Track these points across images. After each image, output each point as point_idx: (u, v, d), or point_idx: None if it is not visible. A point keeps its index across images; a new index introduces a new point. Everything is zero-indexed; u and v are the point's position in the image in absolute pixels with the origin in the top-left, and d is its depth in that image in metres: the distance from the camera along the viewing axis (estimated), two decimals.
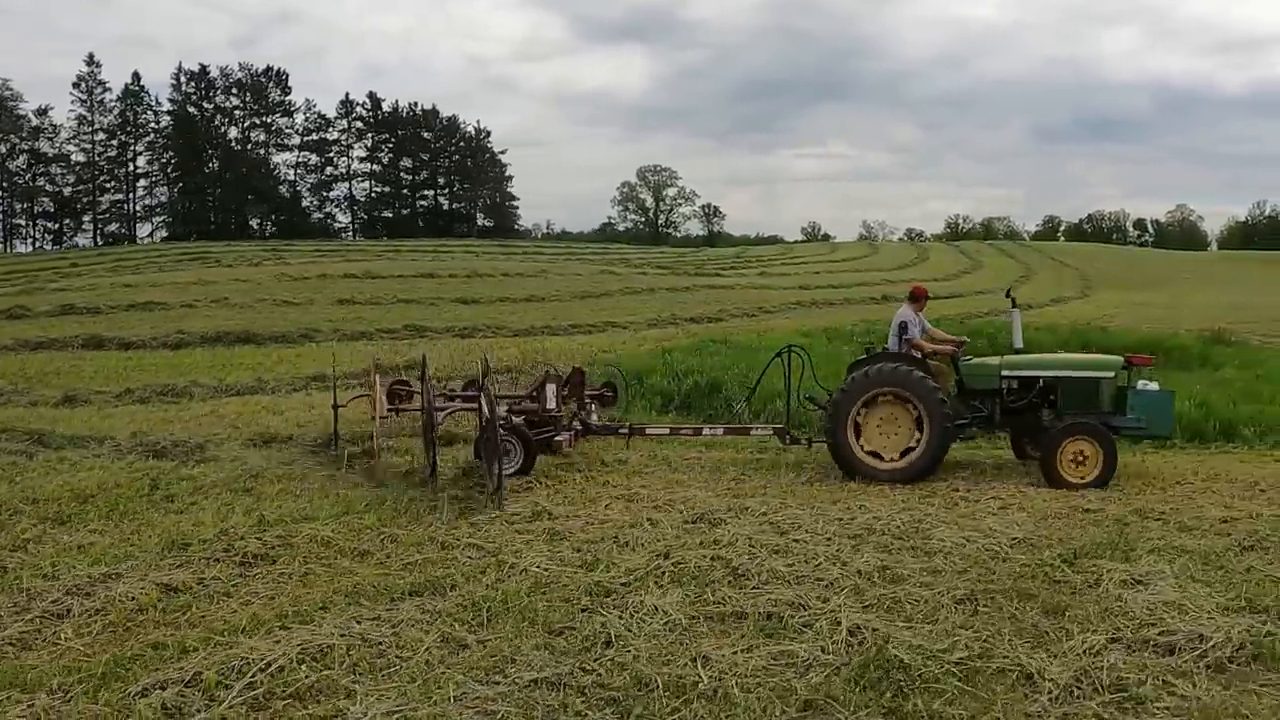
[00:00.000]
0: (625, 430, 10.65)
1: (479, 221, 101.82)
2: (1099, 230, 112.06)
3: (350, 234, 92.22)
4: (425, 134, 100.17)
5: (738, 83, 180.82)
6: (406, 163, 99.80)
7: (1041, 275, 52.22)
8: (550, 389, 10.26)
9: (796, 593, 5.61)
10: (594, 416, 11.15)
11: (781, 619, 5.20)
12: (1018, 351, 10.17)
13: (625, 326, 24.57)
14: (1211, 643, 4.73)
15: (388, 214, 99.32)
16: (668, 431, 10.92)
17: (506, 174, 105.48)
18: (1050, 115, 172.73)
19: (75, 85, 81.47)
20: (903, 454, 9.26)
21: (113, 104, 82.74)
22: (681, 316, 26.62)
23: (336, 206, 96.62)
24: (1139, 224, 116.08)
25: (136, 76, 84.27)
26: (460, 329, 22.84)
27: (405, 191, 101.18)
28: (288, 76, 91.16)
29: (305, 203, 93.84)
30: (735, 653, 4.74)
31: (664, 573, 6.05)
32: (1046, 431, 9.48)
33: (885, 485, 9.06)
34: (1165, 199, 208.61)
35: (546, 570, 6.23)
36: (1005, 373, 9.79)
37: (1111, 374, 9.60)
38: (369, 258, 43.77)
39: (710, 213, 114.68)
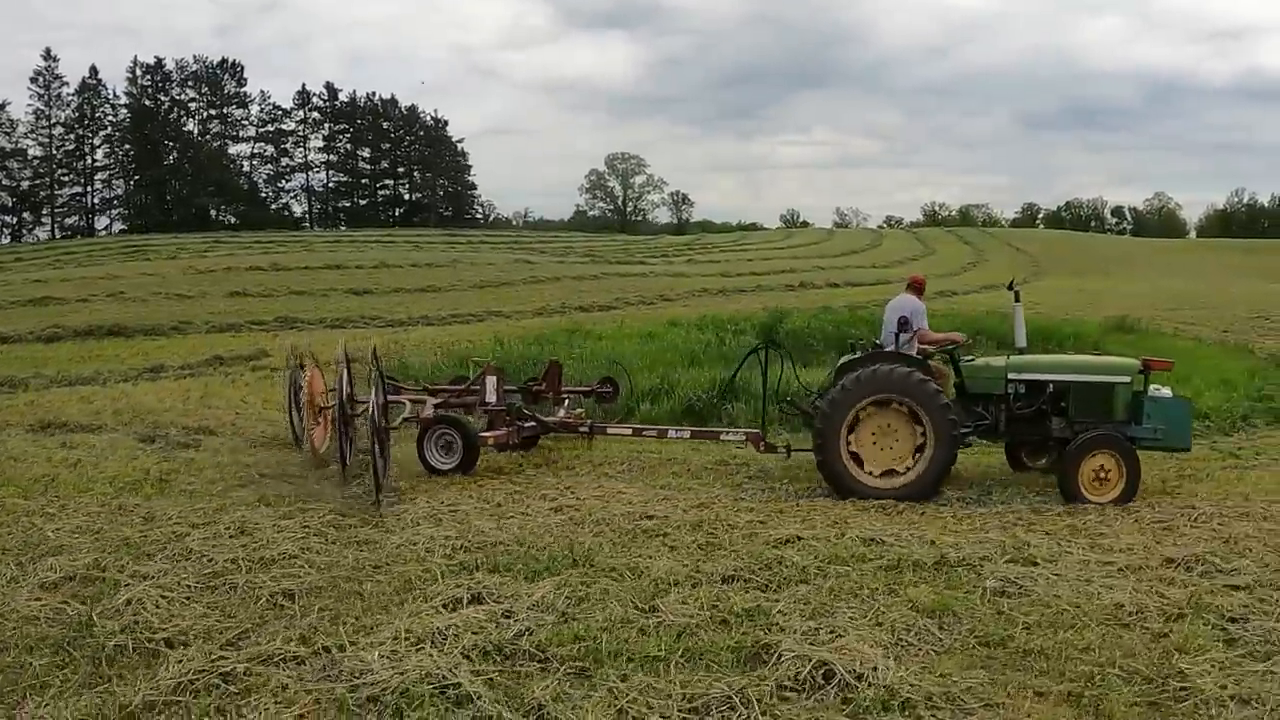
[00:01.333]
0: (586, 429, 10.08)
1: (439, 211, 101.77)
2: (1077, 218, 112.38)
3: (309, 224, 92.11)
4: (384, 124, 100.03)
5: (721, 70, 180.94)
6: (365, 153, 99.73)
7: (992, 261, 52.11)
8: (490, 381, 9.68)
9: None
10: (560, 412, 10.64)
11: None
12: (1020, 351, 9.22)
13: (510, 316, 24.97)
14: None
15: (346, 204, 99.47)
16: (630, 432, 10.25)
17: (466, 163, 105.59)
18: (1036, 103, 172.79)
19: (33, 80, 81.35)
20: (903, 469, 8.21)
21: (70, 98, 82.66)
22: (573, 305, 26.99)
23: (294, 197, 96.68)
24: (1116, 211, 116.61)
25: (94, 70, 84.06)
26: (334, 320, 23.25)
27: (365, 181, 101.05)
28: (243, 69, 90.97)
29: (264, 194, 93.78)
30: None
31: None
32: (1057, 443, 8.77)
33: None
34: (1150, 187, 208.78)
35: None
36: (1012, 375, 8.81)
37: (1128, 379, 8.70)
38: (299, 249, 43.93)
39: (679, 200, 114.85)
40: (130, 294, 26.78)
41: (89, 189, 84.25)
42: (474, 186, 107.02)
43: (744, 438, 9.66)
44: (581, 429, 10.12)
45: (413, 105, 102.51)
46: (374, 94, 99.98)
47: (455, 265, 34.51)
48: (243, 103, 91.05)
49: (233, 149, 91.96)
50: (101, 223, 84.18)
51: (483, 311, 25.28)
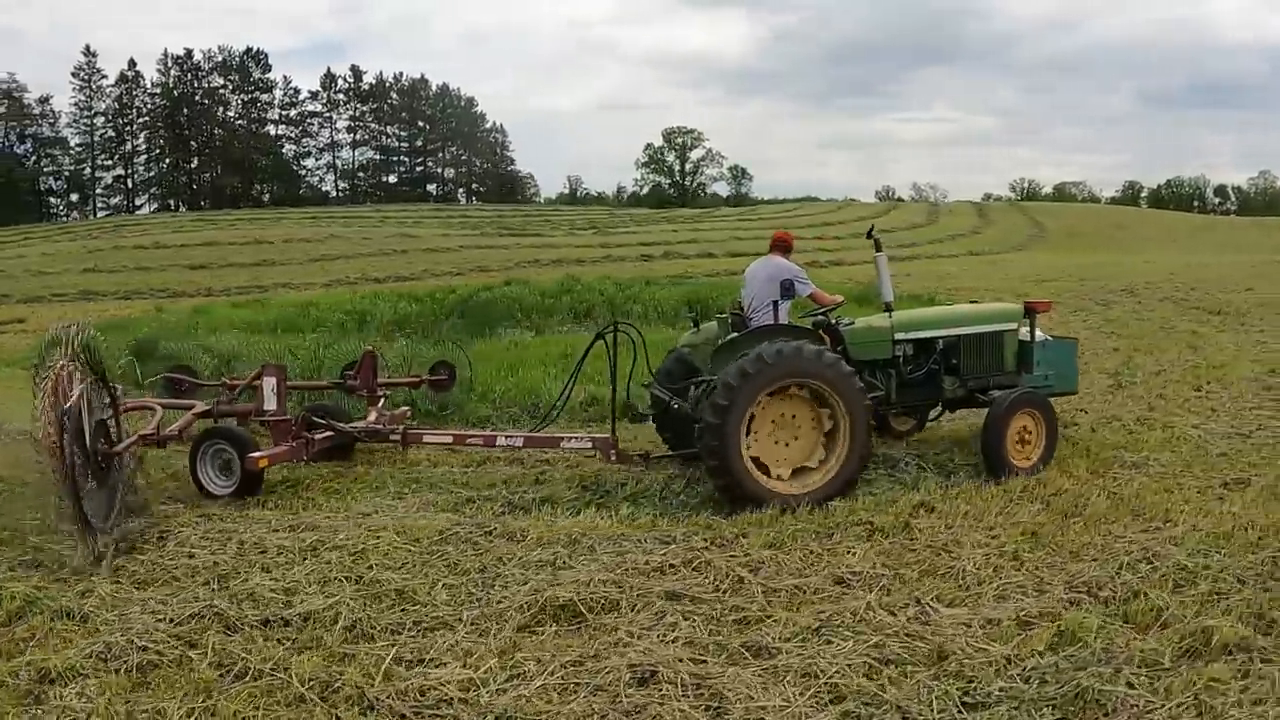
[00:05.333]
0: (397, 437, 8.13)
1: (473, 187, 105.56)
2: (1177, 197, 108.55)
3: (339, 202, 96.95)
4: (418, 104, 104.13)
5: (837, 45, 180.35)
6: (399, 131, 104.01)
7: (987, 233, 51.86)
8: (269, 383, 7.72)
9: None
10: (371, 415, 8.64)
11: None
12: (888, 306, 7.93)
13: (300, 288, 27.42)
14: None
15: (389, 179, 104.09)
16: (450, 440, 8.34)
17: (505, 140, 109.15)
18: (1161, 79, 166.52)
19: (74, 74, 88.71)
20: (810, 468, 6.91)
21: (110, 89, 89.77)
22: (374, 276, 29.23)
23: (325, 175, 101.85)
24: (1220, 190, 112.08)
25: (132, 62, 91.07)
26: (128, 292, 26.28)
27: (403, 159, 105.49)
28: (267, 56, 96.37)
29: (298, 171, 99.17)
30: None
31: None
32: (949, 405, 8.16)
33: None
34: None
35: None
36: (899, 335, 7.77)
37: (1014, 325, 8.11)
38: (257, 227, 47.28)
39: (738, 174, 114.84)
40: (12, 271, 30.53)
41: (130, 172, 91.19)
42: (513, 163, 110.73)
43: (590, 445, 7.65)
44: (393, 437, 8.15)
45: (444, 84, 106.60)
46: (401, 74, 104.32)
47: (329, 240, 37.01)
48: (269, 87, 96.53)
49: (266, 130, 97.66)
50: (141, 202, 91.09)
51: (273, 285, 27.81)
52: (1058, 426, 7.56)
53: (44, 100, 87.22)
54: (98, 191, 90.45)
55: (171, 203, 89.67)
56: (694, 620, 4.63)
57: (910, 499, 6.62)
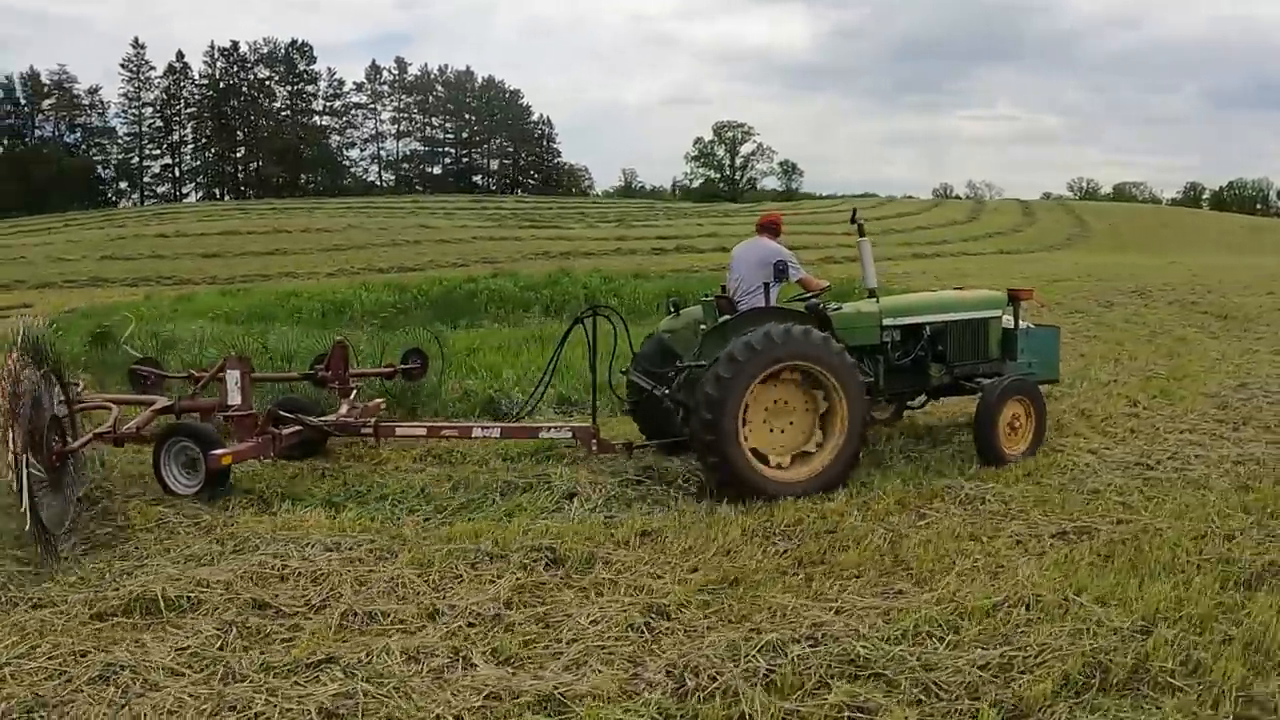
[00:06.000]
0: (369, 431, 7.78)
1: (518, 180, 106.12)
2: (1239, 199, 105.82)
3: (381, 193, 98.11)
4: (464, 96, 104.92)
5: (900, 42, 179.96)
6: (444, 122, 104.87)
7: (1028, 231, 50.98)
8: (232, 376, 7.39)
9: None
10: (343, 408, 8.33)
11: None
12: (872, 292, 7.86)
13: (304, 277, 27.61)
14: None
15: (434, 171, 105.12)
16: (424, 432, 7.93)
17: (551, 133, 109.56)
18: (1224, 79, 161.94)
19: (123, 66, 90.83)
20: (806, 456, 6.73)
21: (158, 80, 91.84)
22: (379, 266, 29.34)
23: (370, 166, 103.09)
24: None
25: (180, 54, 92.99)
26: (137, 280, 26.68)
27: (448, 151, 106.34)
28: (312, 48, 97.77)
29: (343, 162, 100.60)
30: None
31: None
32: (932, 393, 8.08)
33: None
34: None
35: None
36: (887, 321, 7.61)
37: (999, 313, 8.10)
38: (288, 215, 48.01)
39: (789, 169, 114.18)
40: (32, 257, 31.22)
41: (177, 161, 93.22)
42: (559, 155, 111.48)
43: (571, 434, 7.46)
44: (364, 430, 7.83)
45: (490, 76, 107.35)
46: (447, 66, 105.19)
47: (347, 231, 37.27)
48: (313, 79, 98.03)
49: (312, 120, 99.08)
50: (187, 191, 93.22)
51: (277, 274, 28.02)
52: (1045, 414, 7.57)
53: (93, 91, 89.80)
54: (145, 180, 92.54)
55: (216, 191, 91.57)
56: None
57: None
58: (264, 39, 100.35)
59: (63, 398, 6.73)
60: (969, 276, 26.54)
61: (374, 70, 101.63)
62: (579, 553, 5.35)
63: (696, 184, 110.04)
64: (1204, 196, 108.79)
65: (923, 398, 8.33)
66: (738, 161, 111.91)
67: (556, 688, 3.79)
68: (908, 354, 7.69)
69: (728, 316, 7.08)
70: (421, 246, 33.40)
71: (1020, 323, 8.11)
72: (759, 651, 4.02)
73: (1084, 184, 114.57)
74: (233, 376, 7.39)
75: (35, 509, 5.34)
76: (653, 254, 34.20)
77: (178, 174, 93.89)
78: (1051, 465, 7.25)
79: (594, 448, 7.26)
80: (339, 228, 37.92)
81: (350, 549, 5.48)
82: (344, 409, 8.28)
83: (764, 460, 6.59)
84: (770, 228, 7.81)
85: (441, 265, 29.66)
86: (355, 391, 8.83)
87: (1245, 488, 6.60)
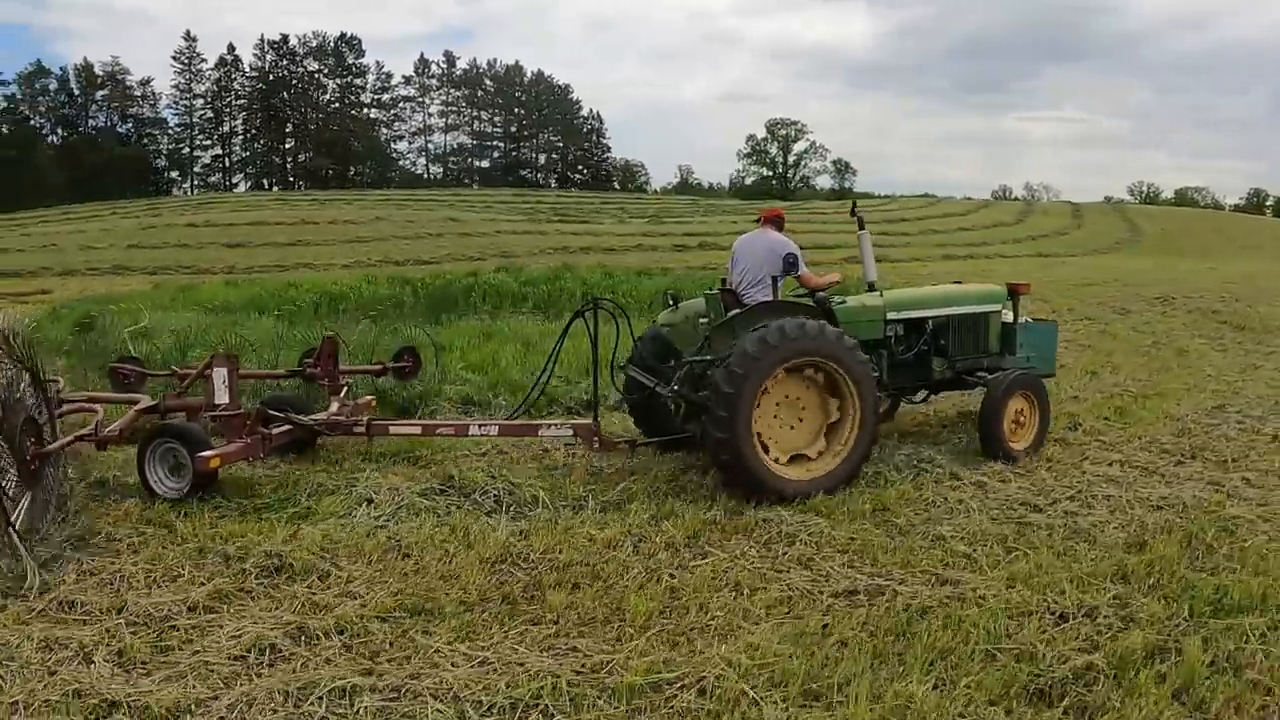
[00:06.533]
0: (361, 429, 7.45)
1: (569, 175, 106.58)
2: None
3: (426, 186, 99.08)
4: (512, 91, 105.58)
5: (963, 41, 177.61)
6: (495, 117, 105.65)
7: (1074, 235, 50.12)
8: (219, 374, 7.08)
9: None
10: (334, 405, 7.98)
11: None
12: (871, 286, 7.85)
13: (321, 269, 27.84)
14: None
15: (482, 164, 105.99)
16: (419, 431, 7.62)
17: (600, 128, 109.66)
18: None
19: (174, 58, 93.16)
20: (815, 455, 6.65)
21: (209, 72, 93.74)
22: (395, 259, 29.46)
23: (418, 159, 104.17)
24: None
25: (231, 47, 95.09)
26: (158, 268, 27.11)
27: (496, 144, 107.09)
28: (360, 41, 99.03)
29: (391, 155, 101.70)
30: None
31: None
32: (933, 388, 8.03)
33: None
34: None
35: None
36: (891, 315, 7.60)
37: (999, 307, 8.14)
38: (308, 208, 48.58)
39: (842, 168, 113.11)
40: (64, 244, 32.00)
41: (227, 152, 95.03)
42: (609, 150, 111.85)
43: (572, 432, 7.22)
44: (356, 429, 7.47)
45: (539, 70, 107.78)
46: (495, 60, 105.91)
47: (375, 223, 37.56)
48: (361, 73, 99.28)
49: (361, 113, 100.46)
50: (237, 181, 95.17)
51: (295, 264, 28.27)
52: (1049, 409, 7.51)
53: (145, 82, 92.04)
54: (196, 170, 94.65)
55: (264, 182, 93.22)
56: None
57: None
58: (312, 33, 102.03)
59: (39, 397, 6.32)
60: (993, 276, 25.91)
61: (422, 64, 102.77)
62: (303, 562, 5.17)
63: (749, 181, 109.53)
64: (1267, 203, 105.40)
65: (923, 392, 8.27)
66: (790, 159, 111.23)
67: (130, 696, 3.74)
68: (910, 348, 7.70)
69: (736, 310, 6.98)
70: (443, 240, 33.51)
71: (1019, 317, 8.16)
72: (327, 695, 3.76)
73: (1145, 189, 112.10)
74: (220, 374, 7.08)
75: (6, 513, 5.11)
76: (674, 250, 33.96)
77: (227, 164, 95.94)
78: (919, 499, 6.39)
79: (596, 445, 7.02)
80: (366, 220, 38.19)
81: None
82: (334, 407, 7.91)
83: (776, 458, 6.52)
84: (775, 220, 7.65)
85: (458, 259, 29.71)
86: (346, 389, 8.52)
87: (1139, 545, 5.54)
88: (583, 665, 4.06)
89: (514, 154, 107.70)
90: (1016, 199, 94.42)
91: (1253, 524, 6.00)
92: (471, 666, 4.06)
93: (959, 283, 9.39)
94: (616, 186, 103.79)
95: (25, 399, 5.90)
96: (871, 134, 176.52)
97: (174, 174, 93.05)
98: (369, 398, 8.66)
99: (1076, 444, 8.08)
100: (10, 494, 5.29)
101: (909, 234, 43.68)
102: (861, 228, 7.90)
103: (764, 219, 7.68)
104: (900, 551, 5.46)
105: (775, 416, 6.53)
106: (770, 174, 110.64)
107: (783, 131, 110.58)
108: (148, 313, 15.72)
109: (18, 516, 5.27)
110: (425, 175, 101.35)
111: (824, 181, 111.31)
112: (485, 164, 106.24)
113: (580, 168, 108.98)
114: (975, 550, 5.48)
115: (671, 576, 5.08)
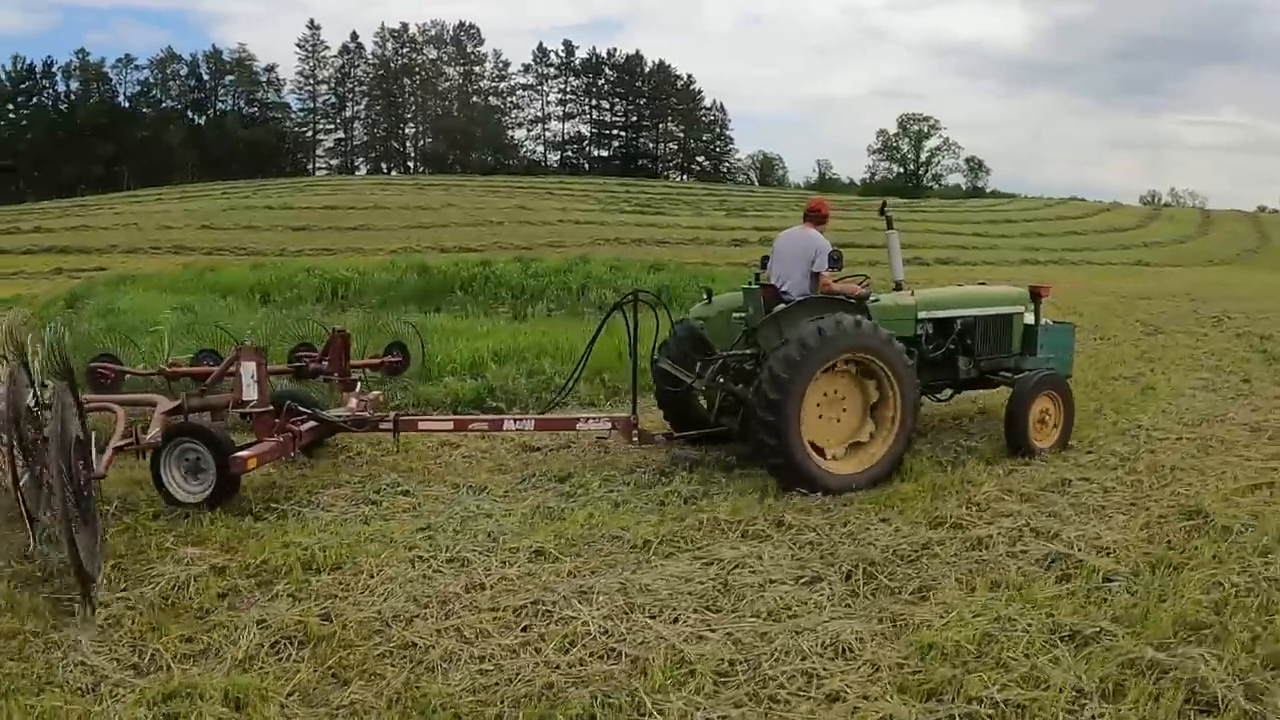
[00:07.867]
0: (388, 425, 7.14)
1: (687, 166, 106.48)
2: None
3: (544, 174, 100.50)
4: (635, 81, 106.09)
5: (1123, 39, 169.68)
6: (616, 105, 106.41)
7: (1196, 243, 48.40)
8: (248, 369, 6.64)
9: None
10: (351, 401, 7.68)
11: None
12: (899, 285, 8.01)
13: (371, 254, 28.32)
14: None
15: (601, 154, 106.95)
16: (451, 426, 7.57)
17: (724, 120, 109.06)
18: None
19: (299, 45, 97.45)
20: (856, 447, 6.79)
21: (332, 58, 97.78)
22: (444, 246, 29.67)
23: (536, 147, 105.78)
24: None
25: (354, 35, 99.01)
26: (212, 249, 28.16)
27: (617, 133, 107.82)
28: (479, 29, 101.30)
29: (509, 143, 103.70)
30: None
31: None
32: (960, 386, 8.16)
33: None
34: None
35: None
36: (922, 314, 7.74)
37: (1021, 308, 8.29)
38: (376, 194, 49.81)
39: (975, 166, 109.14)
40: (145, 223, 33.75)
41: (349, 137, 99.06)
42: (731, 142, 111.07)
43: (609, 425, 7.19)
44: (383, 425, 7.17)
45: (660, 60, 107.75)
46: (615, 49, 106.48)
47: (445, 209, 38.10)
48: (480, 60, 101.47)
49: (478, 101, 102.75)
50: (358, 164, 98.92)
51: (345, 248, 28.87)
52: (1074, 409, 7.69)
53: (269, 69, 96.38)
54: (318, 154, 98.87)
55: (384, 166, 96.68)
56: None
57: None
58: (431, 21, 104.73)
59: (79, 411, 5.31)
60: (1047, 278, 23.91)
61: (540, 52, 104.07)
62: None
63: (878, 177, 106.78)
64: None
65: (949, 391, 8.32)
66: (922, 156, 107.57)
67: None
68: (939, 347, 7.83)
69: (781, 306, 7.02)
70: (497, 228, 33.73)
71: (1040, 319, 8.29)
72: None
73: None
74: (248, 369, 6.61)
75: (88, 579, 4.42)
76: (731, 245, 33.17)
77: (348, 148, 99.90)
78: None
79: (634, 438, 7.16)
80: (437, 205, 38.88)
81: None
82: (353, 403, 7.63)
83: (820, 453, 6.63)
84: (816, 215, 7.54)
85: (505, 247, 29.77)
86: (359, 384, 8.27)
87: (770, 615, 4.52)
88: None
89: (634, 144, 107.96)
90: (1167, 205, 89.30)
91: None
92: None
93: (983, 284, 9.55)
94: (747, 179, 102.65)
95: (71, 418, 4.83)
96: (1028, 133, 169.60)
97: (299, 156, 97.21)
98: (375, 393, 8.32)
99: (1020, 474, 7.20)
100: (83, 542, 4.37)
101: (1010, 235, 41.20)
102: (890, 227, 8.16)
103: (805, 213, 7.62)
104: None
105: (818, 414, 6.66)
106: (901, 170, 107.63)
107: (915, 127, 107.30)
108: (131, 295, 16.32)
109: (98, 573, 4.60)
110: (543, 163, 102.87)
111: (955, 179, 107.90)
112: (605, 153, 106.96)
113: (699, 159, 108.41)
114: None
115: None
